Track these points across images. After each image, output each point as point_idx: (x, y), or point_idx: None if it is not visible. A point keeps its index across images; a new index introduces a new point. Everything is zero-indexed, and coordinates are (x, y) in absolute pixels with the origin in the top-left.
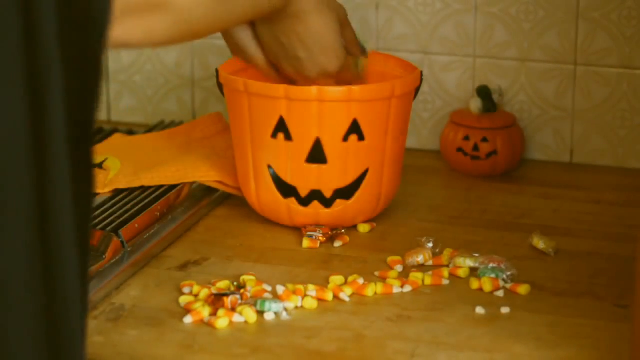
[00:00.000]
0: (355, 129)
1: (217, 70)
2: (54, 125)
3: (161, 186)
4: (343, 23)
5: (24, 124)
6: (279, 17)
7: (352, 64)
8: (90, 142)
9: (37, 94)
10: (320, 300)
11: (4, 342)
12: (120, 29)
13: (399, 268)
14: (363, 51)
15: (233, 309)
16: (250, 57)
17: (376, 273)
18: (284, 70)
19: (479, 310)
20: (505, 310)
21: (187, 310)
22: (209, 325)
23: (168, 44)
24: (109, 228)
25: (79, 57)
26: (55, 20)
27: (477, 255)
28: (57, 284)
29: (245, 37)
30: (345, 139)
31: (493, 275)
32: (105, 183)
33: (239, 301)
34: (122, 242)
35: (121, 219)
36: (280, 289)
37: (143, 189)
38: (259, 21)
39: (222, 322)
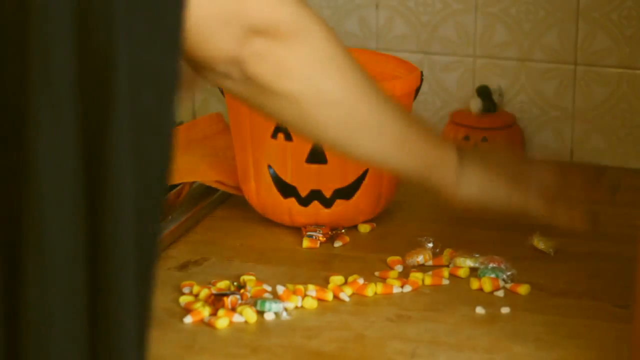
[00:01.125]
0: None
1: None
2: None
3: None
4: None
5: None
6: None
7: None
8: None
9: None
10: (320, 300)
11: None
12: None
13: (399, 268)
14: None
15: (233, 309)
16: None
17: (376, 273)
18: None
19: (479, 310)
20: (505, 310)
21: (187, 310)
22: (209, 325)
23: None
24: None
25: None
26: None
27: (477, 255)
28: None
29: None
30: None
31: (493, 275)
32: None
33: (239, 301)
34: None
35: None
36: (280, 289)
37: None
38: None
39: (222, 322)
